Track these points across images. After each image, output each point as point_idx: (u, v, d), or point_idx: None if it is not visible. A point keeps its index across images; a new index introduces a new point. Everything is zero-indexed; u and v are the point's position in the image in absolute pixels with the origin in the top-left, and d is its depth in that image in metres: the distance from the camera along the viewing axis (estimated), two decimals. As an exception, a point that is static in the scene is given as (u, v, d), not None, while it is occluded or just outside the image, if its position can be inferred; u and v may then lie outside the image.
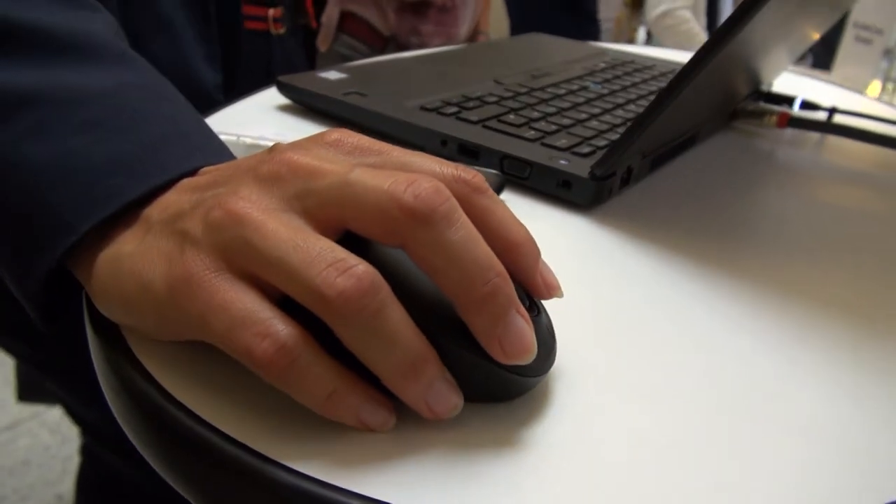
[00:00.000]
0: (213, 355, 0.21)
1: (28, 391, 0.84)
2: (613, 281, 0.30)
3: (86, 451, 0.78)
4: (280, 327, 0.19)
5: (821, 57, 2.10)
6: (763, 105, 0.53)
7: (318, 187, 0.20)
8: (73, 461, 0.81)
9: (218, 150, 0.27)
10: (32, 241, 0.23)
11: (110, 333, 0.24)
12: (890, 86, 1.74)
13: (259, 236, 0.19)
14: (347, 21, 1.36)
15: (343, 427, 0.20)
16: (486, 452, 0.20)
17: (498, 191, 0.36)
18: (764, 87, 0.58)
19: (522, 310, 0.20)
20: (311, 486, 0.18)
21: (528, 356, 0.20)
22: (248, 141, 0.37)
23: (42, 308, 0.25)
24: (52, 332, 0.26)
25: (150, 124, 0.25)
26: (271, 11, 0.72)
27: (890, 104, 0.65)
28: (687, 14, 1.85)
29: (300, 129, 0.44)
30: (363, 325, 0.18)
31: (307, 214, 0.20)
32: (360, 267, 0.18)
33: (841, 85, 0.71)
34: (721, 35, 0.30)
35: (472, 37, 1.57)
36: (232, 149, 0.28)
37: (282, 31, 0.74)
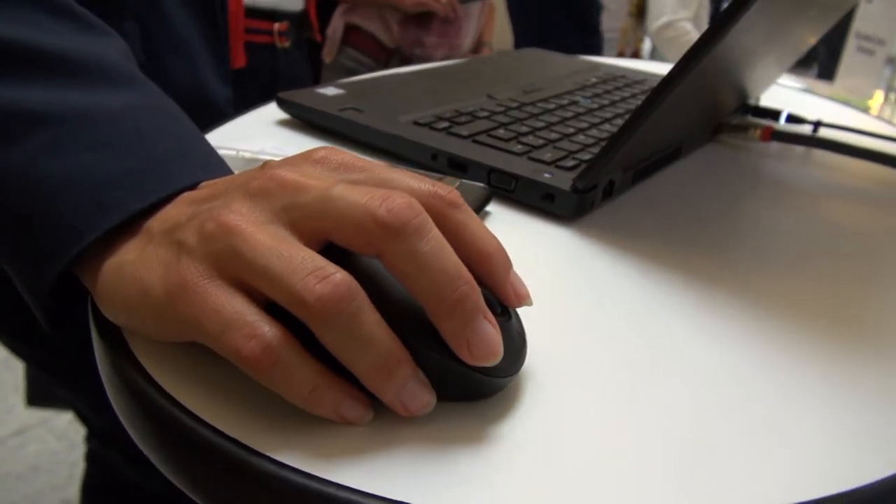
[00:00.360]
0: (210, 358, 0.22)
1: (37, 396, 0.86)
2: (590, 290, 0.31)
3: (91, 458, 0.80)
4: (266, 329, 0.20)
5: (826, 67, 2.11)
6: (748, 119, 0.55)
7: (302, 201, 0.22)
8: (80, 467, 0.82)
9: (216, 166, 0.29)
10: (43, 248, 0.25)
11: (114, 337, 0.25)
12: (892, 96, 1.74)
13: (248, 246, 0.21)
14: (352, 34, 1.39)
15: (326, 423, 0.22)
16: (459, 447, 0.21)
17: (484, 203, 0.38)
18: (751, 101, 0.59)
19: (490, 315, 0.22)
20: (293, 475, 0.20)
21: (495, 358, 0.21)
22: (247, 155, 0.39)
23: (49, 311, 0.27)
24: (57, 335, 0.28)
25: (155, 143, 0.27)
26: (276, 25, 0.74)
27: (890, 122, 0.65)
28: (688, 25, 1.86)
29: (298, 143, 0.46)
30: (341, 327, 0.20)
31: (292, 226, 0.22)
32: (338, 275, 0.20)
33: (838, 98, 0.72)
34: (698, 49, 0.30)
35: (476, 48, 1.59)
36: (231, 163, 0.30)
37: (287, 44, 0.76)
